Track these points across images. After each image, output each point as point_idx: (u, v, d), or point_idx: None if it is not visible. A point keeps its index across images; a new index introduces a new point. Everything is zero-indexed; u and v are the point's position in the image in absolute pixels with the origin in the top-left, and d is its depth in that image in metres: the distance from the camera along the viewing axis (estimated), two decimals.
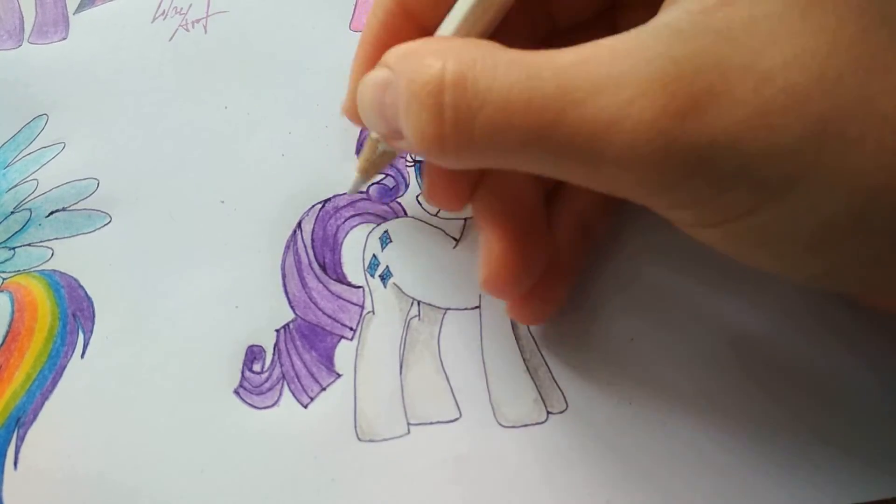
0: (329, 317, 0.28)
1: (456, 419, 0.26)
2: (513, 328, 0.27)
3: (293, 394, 0.26)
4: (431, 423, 0.26)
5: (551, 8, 0.24)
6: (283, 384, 0.27)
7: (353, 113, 0.24)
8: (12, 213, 0.30)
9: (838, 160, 0.16)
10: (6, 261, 0.29)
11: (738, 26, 0.17)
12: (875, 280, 0.19)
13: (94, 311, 0.28)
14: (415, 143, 0.19)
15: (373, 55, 0.23)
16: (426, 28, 0.23)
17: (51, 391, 0.27)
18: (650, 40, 0.17)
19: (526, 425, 0.25)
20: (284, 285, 0.28)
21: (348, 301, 0.28)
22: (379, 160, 0.25)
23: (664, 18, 0.17)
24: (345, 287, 0.28)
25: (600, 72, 0.17)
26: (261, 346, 0.27)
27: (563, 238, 0.25)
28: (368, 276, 0.28)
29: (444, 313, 0.27)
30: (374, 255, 0.28)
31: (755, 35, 0.16)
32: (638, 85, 0.16)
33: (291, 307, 0.28)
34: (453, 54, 0.18)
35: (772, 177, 0.16)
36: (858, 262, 0.18)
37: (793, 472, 0.24)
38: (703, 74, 0.16)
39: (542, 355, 0.26)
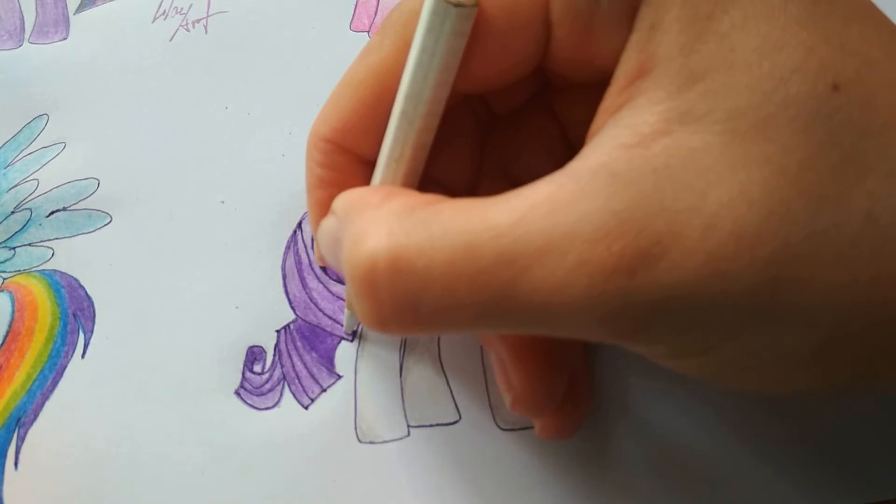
0: (330, 318, 0.28)
1: (456, 421, 0.26)
2: None
3: (294, 395, 0.26)
4: (431, 426, 0.26)
5: (488, 99, 0.24)
6: (283, 385, 0.27)
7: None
8: (13, 212, 0.30)
9: (792, 304, 0.15)
10: (6, 260, 0.29)
11: (677, 162, 0.16)
12: (843, 391, 0.19)
13: (94, 312, 0.28)
14: (361, 320, 0.18)
15: (323, 199, 0.22)
16: (364, 159, 0.22)
17: (51, 391, 0.27)
18: (588, 188, 0.16)
19: (525, 428, 0.25)
20: (285, 286, 0.28)
21: None
22: None
23: (599, 155, 0.17)
24: (345, 287, 0.28)
25: (541, 233, 0.16)
26: (261, 347, 0.27)
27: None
28: None
29: None
30: None
31: (697, 172, 0.16)
32: (582, 247, 0.15)
33: (292, 308, 0.28)
34: (386, 228, 0.17)
35: (726, 321, 0.16)
36: (822, 385, 0.18)
37: (793, 473, 0.24)
38: (648, 227, 0.15)
39: None
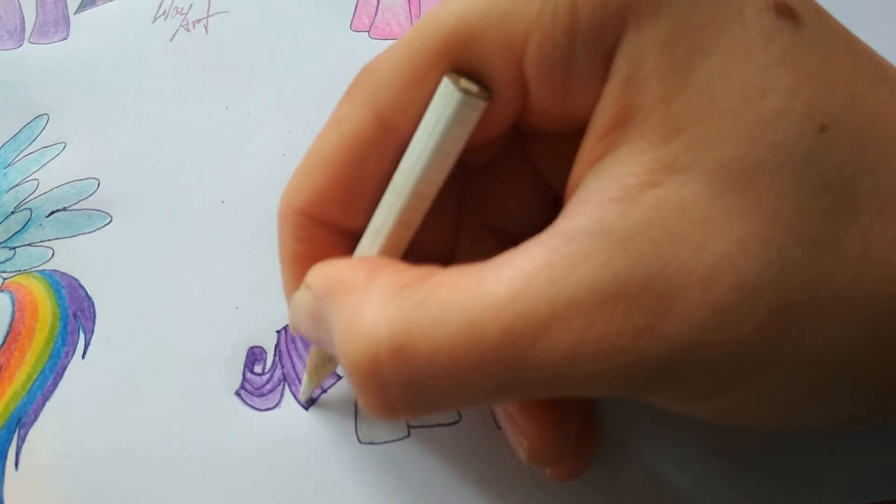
0: None
1: (456, 422, 0.26)
2: None
3: (294, 396, 0.26)
4: (431, 426, 0.26)
5: (463, 154, 0.24)
6: (284, 386, 0.27)
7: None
8: (13, 212, 0.30)
9: (795, 348, 0.15)
10: (7, 261, 0.29)
11: (669, 215, 0.15)
12: (847, 426, 0.19)
13: (94, 312, 0.28)
14: (366, 410, 0.18)
15: (299, 273, 0.21)
16: (341, 229, 0.22)
17: (52, 391, 0.27)
18: (584, 250, 0.16)
19: None
20: None
21: None
22: (328, 363, 0.24)
23: (589, 211, 0.16)
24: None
25: (543, 304, 0.15)
26: (262, 348, 0.27)
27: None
28: None
29: None
30: None
31: (691, 223, 0.15)
32: (587, 313, 0.15)
33: None
34: (382, 312, 0.16)
35: (730, 370, 0.16)
36: (827, 422, 0.18)
37: (793, 473, 0.24)
38: (649, 285, 0.15)
39: None
